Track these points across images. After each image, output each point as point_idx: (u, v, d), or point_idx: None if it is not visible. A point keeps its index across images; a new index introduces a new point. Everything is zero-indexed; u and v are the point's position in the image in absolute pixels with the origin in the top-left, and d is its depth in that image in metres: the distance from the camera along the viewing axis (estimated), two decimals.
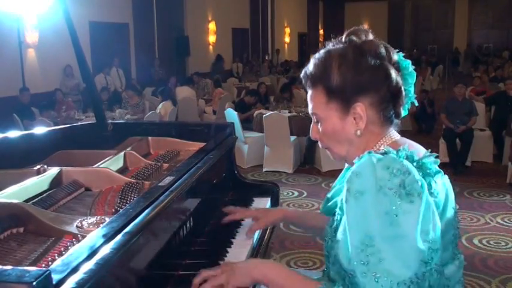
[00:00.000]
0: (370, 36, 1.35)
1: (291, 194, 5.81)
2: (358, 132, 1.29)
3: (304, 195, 5.74)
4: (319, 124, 1.35)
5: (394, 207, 1.11)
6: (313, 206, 5.36)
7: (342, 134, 1.30)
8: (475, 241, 4.30)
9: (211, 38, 15.63)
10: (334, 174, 6.65)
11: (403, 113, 1.35)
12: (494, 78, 11.08)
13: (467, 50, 23.45)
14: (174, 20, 13.52)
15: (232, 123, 2.65)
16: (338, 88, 1.28)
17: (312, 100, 1.35)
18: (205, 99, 10.29)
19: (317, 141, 1.40)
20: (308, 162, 6.98)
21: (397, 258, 1.11)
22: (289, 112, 7.25)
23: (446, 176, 1.28)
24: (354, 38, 1.33)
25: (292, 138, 6.82)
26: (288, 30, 22.18)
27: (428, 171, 1.20)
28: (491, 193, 5.71)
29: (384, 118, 1.30)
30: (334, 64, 1.28)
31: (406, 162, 1.16)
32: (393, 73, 1.29)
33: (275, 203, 2.38)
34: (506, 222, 4.79)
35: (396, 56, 1.33)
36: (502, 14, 23.92)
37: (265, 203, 2.32)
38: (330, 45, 1.35)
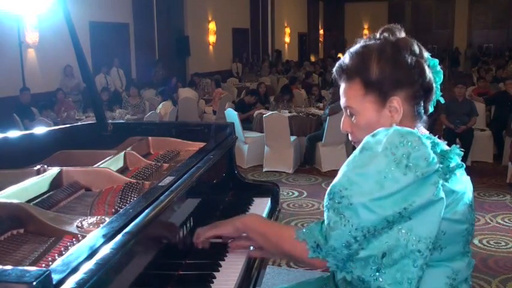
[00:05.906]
0: (403, 34, 1.37)
1: (291, 194, 5.80)
2: (394, 125, 1.30)
3: (304, 195, 5.74)
4: (353, 117, 1.36)
5: (386, 170, 1.18)
6: (313, 206, 5.36)
7: (376, 127, 1.30)
8: (475, 241, 4.30)
9: (211, 38, 15.62)
10: (334, 174, 6.61)
11: (430, 109, 1.39)
12: (495, 79, 11.06)
13: (467, 50, 23.42)
14: (174, 20, 13.50)
15: (232, 123, 2.64)
16: (377, 81, 1.30)
17: (347, 93, 1.36)
18: (206, 99, 10.29)
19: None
20: (308, 162, 6.96)
21: (363, 208, 1.18)
22: (289, 112, 7.24)
23: (469, 177, 1.36)
24: (388, 35, 1.35)
25: (292, 138, 6.80)
26: (288, 30, 22.17)
27: (449, 162, 1.25)
28: (491, 193, 5.71)
29: (416, 113, 1.34)
30: (373, 58, 1.31)
31: (423, 140, 1.20)
32: (427, 70, 1.33)
33: (275, 203, 2.38)
34: (506, 222, 4.79)
35: (426, 54, 1.37)
36: (502, 14, 23.91)
37: (265, 203, 2.31)
38: (362, 42, 1.37)
